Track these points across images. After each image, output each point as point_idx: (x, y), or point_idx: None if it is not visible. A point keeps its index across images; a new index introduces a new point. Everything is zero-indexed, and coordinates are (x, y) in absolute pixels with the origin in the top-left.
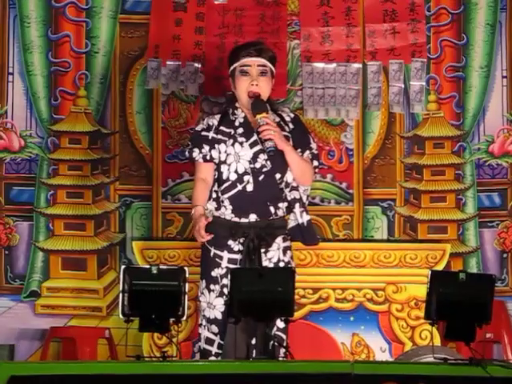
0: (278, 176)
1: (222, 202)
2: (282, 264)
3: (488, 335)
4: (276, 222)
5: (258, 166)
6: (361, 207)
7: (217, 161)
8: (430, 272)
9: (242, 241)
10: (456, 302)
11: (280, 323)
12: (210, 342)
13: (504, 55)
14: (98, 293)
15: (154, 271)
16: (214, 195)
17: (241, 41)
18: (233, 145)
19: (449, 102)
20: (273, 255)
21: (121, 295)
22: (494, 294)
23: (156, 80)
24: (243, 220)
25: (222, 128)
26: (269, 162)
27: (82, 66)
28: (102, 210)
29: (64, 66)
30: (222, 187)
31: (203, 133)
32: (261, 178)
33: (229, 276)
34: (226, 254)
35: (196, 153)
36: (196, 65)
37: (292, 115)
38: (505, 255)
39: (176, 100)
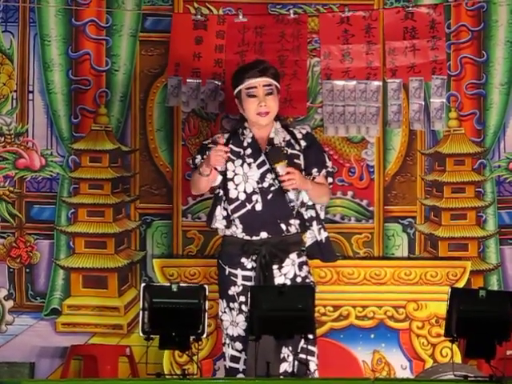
0: (290, 194)
1: (233, 220)
2: (299, 279)
3: (509, 352)
4: (289, 238)
5: (265, 185)
6: (381, 225)
7: (218, 170)
8: (449, 289)
9: (254, 258)
10: (476, 319)
11: (304, 344)
12: (235, 359)
13: None
14: (118, 310)
15: (174, 289)
16: (224, 213)
17: (261, 59)
18: (242, 165)
19: (469, 119)
20: (288, 271)
21: (141, 313)
22: None
23: (176, 98)
24: (254, 238)
25: (231, 146)
26: (277, 181)
27: (103, 83)
28: (123, 228)
29: (84, 84)
30: (232, 206)
31: (209, 145)
32: (269, 196)
33: (246, 293)
34: (239, 272)
35: (198, 159)
36: (216, 82)
37: (304, 131)
38: None
39: (196, 118)
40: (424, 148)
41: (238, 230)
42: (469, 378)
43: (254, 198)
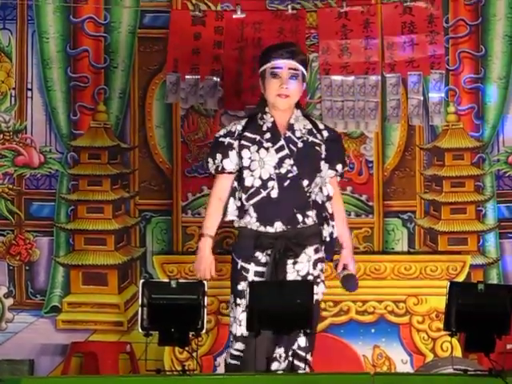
0: (305, 182)
1: (247, 210)
2: (310, 278)
3: (509, 346)
4: (306, 230)
5: (283, 171)
6: (381, 219)
7: (230, 171)
8: (448, 283)
9: (269, 252)
10: (475, 313)
11: (301, 340)
12: (235, 358)
13: None
14: (119, 307)
15: (173, 285)
16: (238, 203)
17: (259, 54)
18: (258, 151)
19: (468, 114)
20: (301, 268)
21: (140, 309)
22: None
23: (175, 94)
24: (269, 229)
25: (246, 134)
26: (295, 168)
27: (101, 80)
28: (123, 224)
29: (83, 81)
30: (247, 194)
31: (221, 139)
32: (286, 183)
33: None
34: (252, 267)
35: (210, 164)
36: (215, 79)
37: (324, 126)
38: None
39: (195, 114)
40: (423, 143)
41: (251, 220)
42: (468, 372)
43: (270, 184)
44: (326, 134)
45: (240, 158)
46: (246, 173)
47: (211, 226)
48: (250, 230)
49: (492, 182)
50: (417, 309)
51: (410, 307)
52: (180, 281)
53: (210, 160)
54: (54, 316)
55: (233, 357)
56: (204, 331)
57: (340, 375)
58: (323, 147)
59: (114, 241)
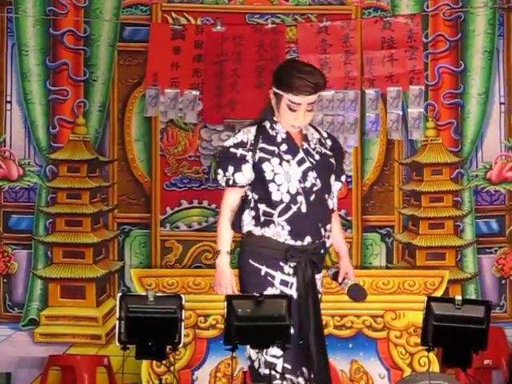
0: (326, 196)
1: (278, 224)
2: (320, 296)
3: (486, 362)
4: (323, 245)
5: (308, 185)
6: (359, 234)
7: (242, 185)
8: (426, 298)
9: (292, 265)
10: (452, 328)
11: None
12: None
13: (502, 82)
14: (97, 321)
15: (151, 298)
16: (253, 213)
17: (239, 68)
18: (280, 164)
19: (447, 129)
20: (319, 280)
21: (117, 322)
22: (493, 320)
23: (154, 108)
24: (298, 242)
25: (263, 145)
26: (318, 181)
27: (81, 93)
28: (101, 237)
29: (62, 94)
30: (277, 209)
31: (232, 150)
32: (312, 197)
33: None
34: (278, 275)
35: (220, 175)
36: (194, 92)
37: (326, 133)
38: (503, 281)
39: (175, 128)
40: (402, 158)
41: (282, 232)
42: None
43: (299, 199)
44: (329, 142)
45: (259, 171)
46: (271, 187)
47: (225, 241)
48: (277, 242)
49: (470, 197)
50: (395, 324)
51: (388, 322)
52: (157, 294)
53: (220, 171)
54: (31, 329)
55: (267, 364)
56: (181, 345)
57: None
58: (333, 159)
59: (93, 254)
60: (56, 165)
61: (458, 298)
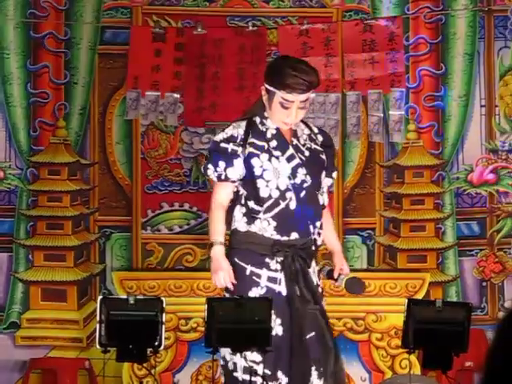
0: (316, 192)
1: (264, 219)
2: (319, 289)
3: (467, 364)
4: (313, 241)
5: (298, 181)
6: (340, 237)
7: (234, 180)
8: (406, 301)
9: (279, 260)
10: (433, 330)
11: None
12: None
13: (482, 84)
14: (78, 323)
15: (132, 301)
16: (244, 210)
17: (220, 71)
18: (269, 160)
19: (428, 132)
20: (312, 278)
21: (98, 325)
22: (474, 322)
23: (135, 111)
24: (285, 238)
25: (253, 140)
26: (308, 177)
27: (61, 96)
28: (82, 240)
29: (43, 97)
30: (264, 205)
31: (223, 144)
32: (302, 194)
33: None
34: (265, 272)
35: (211, 170)
36: (175, 95)
37: (317, 127)
38: (484, 284)
39: (155, 130)
40: (383, 160)
41: (268, 228)
42: None
43: (288, 195)
44: (320, 138)
45: (249, 166)
46: (259, 182)
47: (219, 232)
48: (263, 237)
49: (451, 199)
50: (376, 326)
51: (369, 324)
52: (138, 297)
53: (210, 166)
54: (12, 332)
55: (245, 369)
56: (162, 348)
57: None
58: (324, 155)
59: (74, 257)
60: (37, 168)
61: (439, 300)
